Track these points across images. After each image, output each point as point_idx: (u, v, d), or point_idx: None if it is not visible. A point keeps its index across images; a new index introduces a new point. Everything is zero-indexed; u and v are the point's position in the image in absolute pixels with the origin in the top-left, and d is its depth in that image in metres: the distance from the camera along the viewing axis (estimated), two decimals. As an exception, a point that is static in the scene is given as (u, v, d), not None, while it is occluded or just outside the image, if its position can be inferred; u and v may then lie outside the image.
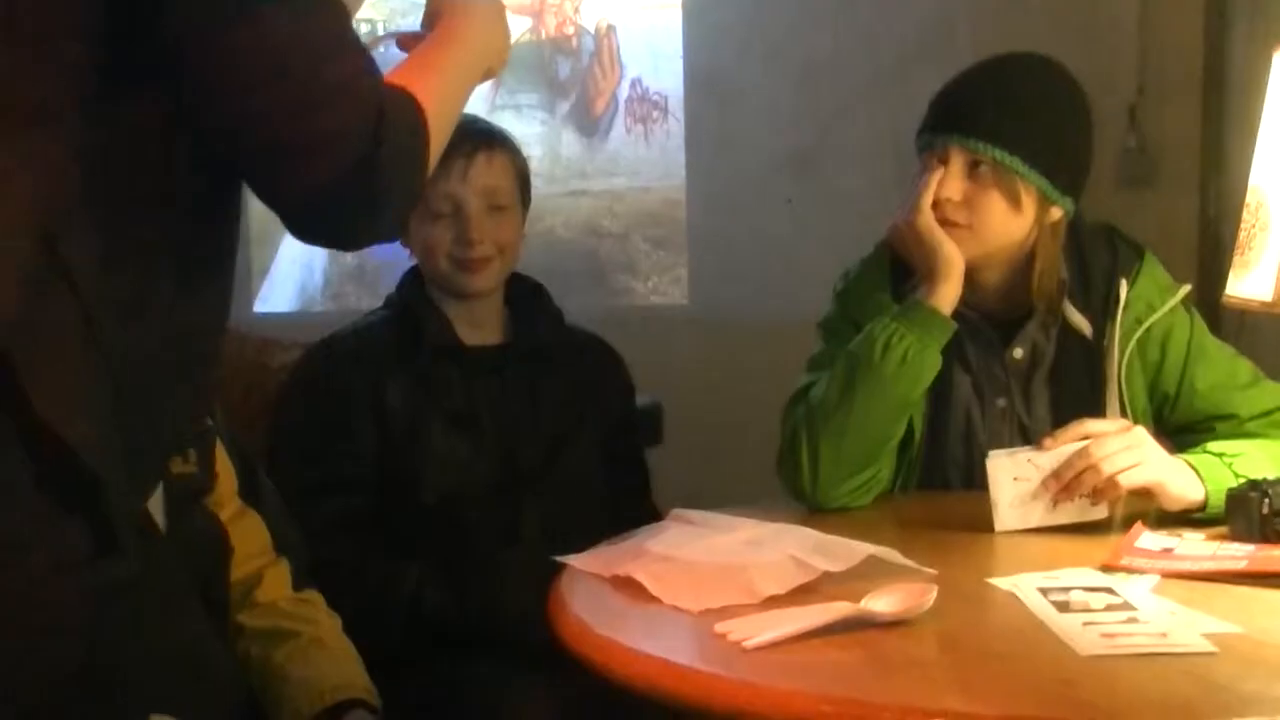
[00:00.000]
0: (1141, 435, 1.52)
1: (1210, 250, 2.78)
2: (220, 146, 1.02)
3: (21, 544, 0.94)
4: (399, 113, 1.04)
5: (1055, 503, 1.52)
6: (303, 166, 1.00)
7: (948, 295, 1.63)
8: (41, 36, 0.97)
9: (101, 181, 0.98)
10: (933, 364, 1.63)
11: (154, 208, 1.02)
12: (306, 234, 1.07)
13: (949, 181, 1.63)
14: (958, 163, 1.63)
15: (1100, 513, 1.53)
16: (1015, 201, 1.63)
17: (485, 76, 1.24)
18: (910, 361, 1.61)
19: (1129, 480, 1.49)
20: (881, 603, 1.20)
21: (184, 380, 1.09)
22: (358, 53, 1.03)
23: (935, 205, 1.63)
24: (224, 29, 0.97)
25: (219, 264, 1.10)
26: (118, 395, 0.98)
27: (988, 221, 1.64)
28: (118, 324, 0.98)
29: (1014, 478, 1.52)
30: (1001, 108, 1.63)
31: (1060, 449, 1.52)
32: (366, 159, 1.00)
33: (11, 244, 0.94)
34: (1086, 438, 1.52)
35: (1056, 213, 1.66)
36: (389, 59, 1.14)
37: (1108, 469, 1.48)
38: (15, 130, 0.96)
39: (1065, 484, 1.50)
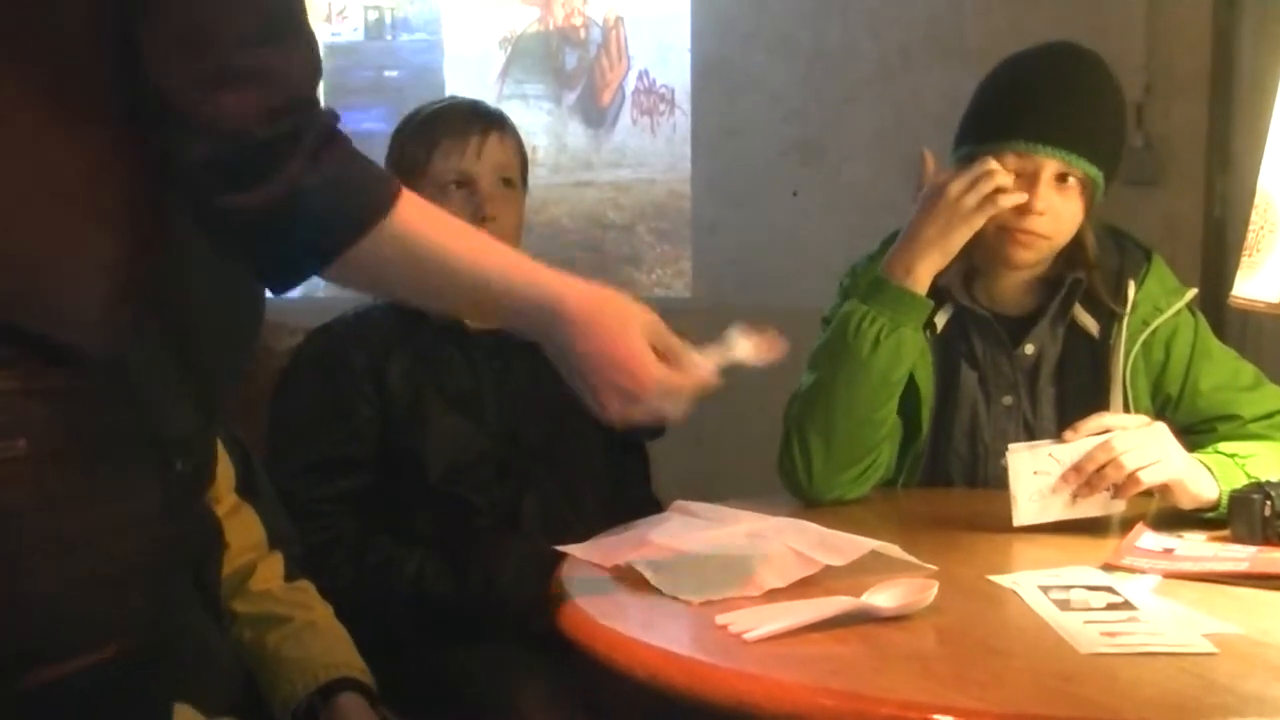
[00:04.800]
0: (1162, 431, 1.52)
1: (1215, 250, 2.77)
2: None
3: (107, 497, 0.96)
4: (340, 143, 0.99)
5: (1075, 497, 1.51)
6: (197, 144, 0.96)
7: (928, 273, 1.61)
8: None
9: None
10: (911, 342, 1.62)
11: None
12: (204, 225, 1.02)
13: (1043, 195, 1.60)
14: (1049, 175, 1.61)
15: (1119, 507, 1.52)
16: (1089, 209, 1.64)
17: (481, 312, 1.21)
18: (884, 343, 1.60)
19: (1150, 477, 1.48)
20: (882, 597, 1.20)
21: (242, 343, 1.13)
22: (294, 42, 0.99)
23: (1024, 216, 1.60)
24: None
25: None
26: (196, 371, 1.03)
27: (1065, 230, 1.64)
28: (187, 321, 1.01)
29: (1034, 471, 1.51)
30: (1088, 117, 1.63)
31: (1081, 443, 1.51)
32: (268, 156, 0.95)
33: (112, 238, 0.95)
34: (1107, 431, 1.51)
35: None
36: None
37: (1129, 464, 1.48)
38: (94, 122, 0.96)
39: (1086, 478, 1.49)
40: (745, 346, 1.20)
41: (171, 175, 0.98)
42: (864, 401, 1.62)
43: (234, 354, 1.13)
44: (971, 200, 1.57)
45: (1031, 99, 1.64)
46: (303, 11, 1.01)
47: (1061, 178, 1.62)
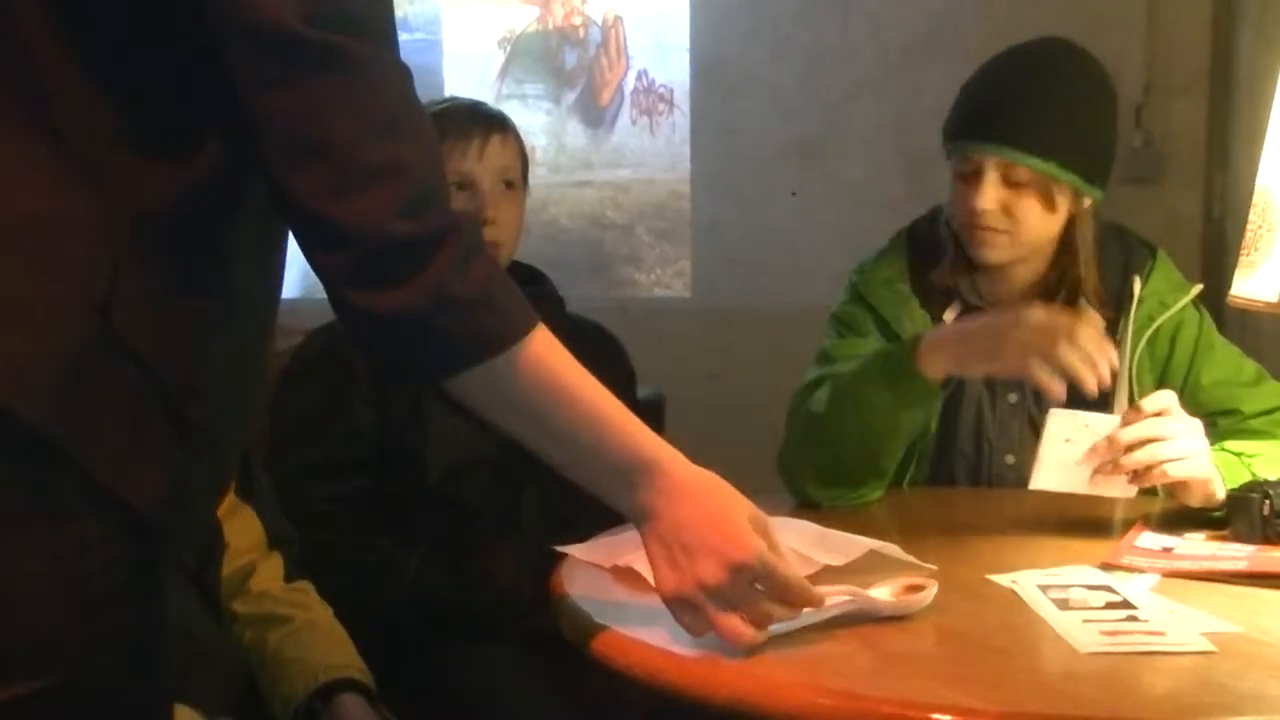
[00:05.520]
0: (1199, 429, 1.51)
1: (1214, 249, 2.77)
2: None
3: (65, 515, 0.91)
4: (487, 257, 0.96)
5: (1096, 474, 1.49)
6: (335, 247, 0.93)
7: (951, 370, 1.59)
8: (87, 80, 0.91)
9: (158, 239, 0.93)
10: (910, 423, 1.61)
11: (213, 255, 0.97)
12: (340, 319, 0.98)
13: (985, 193, 1.61)
14: (994, 173, 1.61)
15: (1132, 492, 1.52)
16: (1050, 203, 1.63)
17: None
18: (883, 419, 1.59)
19: (1176, 471, 1.47)
20: (881, 596, 1.20)
21: (248, 396, 1.06)
22: (416, 132, 0.95)
23: (973, 215, 1.62)
24: (267, 92, 0.90)
25: (276, 279, 1.06)
26: (186, 439, 0.95)
27: (1026, 225, 1.64)
28: (179, 381, 0.95)
29: (1065, 439, 1.50)
30: (1034, 112, 1.61)
31: (1117, 418, 1.49)
32: (409, 249, 0.92)
33: (64, 318, 0.90)
34: (1165, 411, 1.48)
35: (1088, 200, 1.66)
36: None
37: (1161, 452, 1.46)
38: (63, 191, 0.91)
39: (1117, 453, 1.47)
40: (883, 591, 1.20)
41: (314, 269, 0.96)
42: (866, 450, 1.62)
43: (239, 424, 1.05)
44: (1031, 338, 1.49)
45: (979, 98, 1.65)
46: (417, 99, 0.98)
47: (1010, 176, 1.61)
